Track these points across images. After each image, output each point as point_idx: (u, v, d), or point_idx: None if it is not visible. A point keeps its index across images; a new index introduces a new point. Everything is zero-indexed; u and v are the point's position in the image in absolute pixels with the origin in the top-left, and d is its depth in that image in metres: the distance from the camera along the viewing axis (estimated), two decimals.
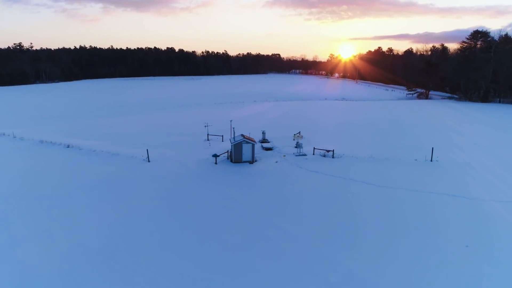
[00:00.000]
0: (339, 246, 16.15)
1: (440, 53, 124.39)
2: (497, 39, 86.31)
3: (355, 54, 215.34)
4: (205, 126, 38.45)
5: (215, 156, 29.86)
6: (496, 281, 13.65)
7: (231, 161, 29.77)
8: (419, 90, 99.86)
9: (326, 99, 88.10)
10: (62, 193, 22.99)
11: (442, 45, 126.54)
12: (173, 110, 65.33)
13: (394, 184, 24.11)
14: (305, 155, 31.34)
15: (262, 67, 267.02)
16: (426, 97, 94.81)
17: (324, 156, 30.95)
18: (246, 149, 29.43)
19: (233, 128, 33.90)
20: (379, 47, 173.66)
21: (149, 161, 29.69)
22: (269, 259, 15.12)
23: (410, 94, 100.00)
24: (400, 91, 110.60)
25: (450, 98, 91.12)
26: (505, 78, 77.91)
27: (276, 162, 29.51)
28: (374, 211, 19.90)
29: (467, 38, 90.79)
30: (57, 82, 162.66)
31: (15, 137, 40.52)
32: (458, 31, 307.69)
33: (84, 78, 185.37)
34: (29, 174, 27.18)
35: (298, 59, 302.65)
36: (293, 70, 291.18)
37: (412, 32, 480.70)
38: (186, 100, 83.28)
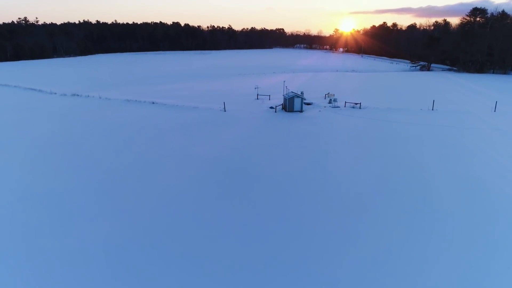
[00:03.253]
0: (369, 141, 26.97)
1: (442, 28, 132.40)
2: (495, 15, 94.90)
3: (359, 29, 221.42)
4: (255, 88, 48.67)
5: (273, 107, 40.33)
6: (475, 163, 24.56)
7: (285, 110, 40.26)
8: (421, 63, 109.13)
9: (337, 71, 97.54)
10: (166, 128, 33.43)
11: (445, 20, 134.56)
12: (207, 79, 74.80)
13: (407, 120, 35.06)
14: (339, 107, 41.90)
15: (267, 42, 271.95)
16: (428, 69, 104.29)
17: (353, 107, 41.56)
18: (296, 102, 39.89)
19: (286, 86, 44.13)
20: (384, 22, 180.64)
21: (225, 111, 40.12)
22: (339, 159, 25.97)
23: (413, 66, 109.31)
24: (404, 64, 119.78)
25: (449, 70, 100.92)
26: (499, 51, 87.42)
27: (319, 111, 40.14)
28: (392, 133, 30.74)
29: (467, 15, 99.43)
30: (74, 56, 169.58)
31: (100, 98, 50.54)
32: (461, 4, 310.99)
33: (97, 52, 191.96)
34: (129, 120, 36.89)
35: (301, 34, 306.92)
36: (297, 45, 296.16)
37: (415, 5, 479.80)
38: (210, 71, 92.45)
